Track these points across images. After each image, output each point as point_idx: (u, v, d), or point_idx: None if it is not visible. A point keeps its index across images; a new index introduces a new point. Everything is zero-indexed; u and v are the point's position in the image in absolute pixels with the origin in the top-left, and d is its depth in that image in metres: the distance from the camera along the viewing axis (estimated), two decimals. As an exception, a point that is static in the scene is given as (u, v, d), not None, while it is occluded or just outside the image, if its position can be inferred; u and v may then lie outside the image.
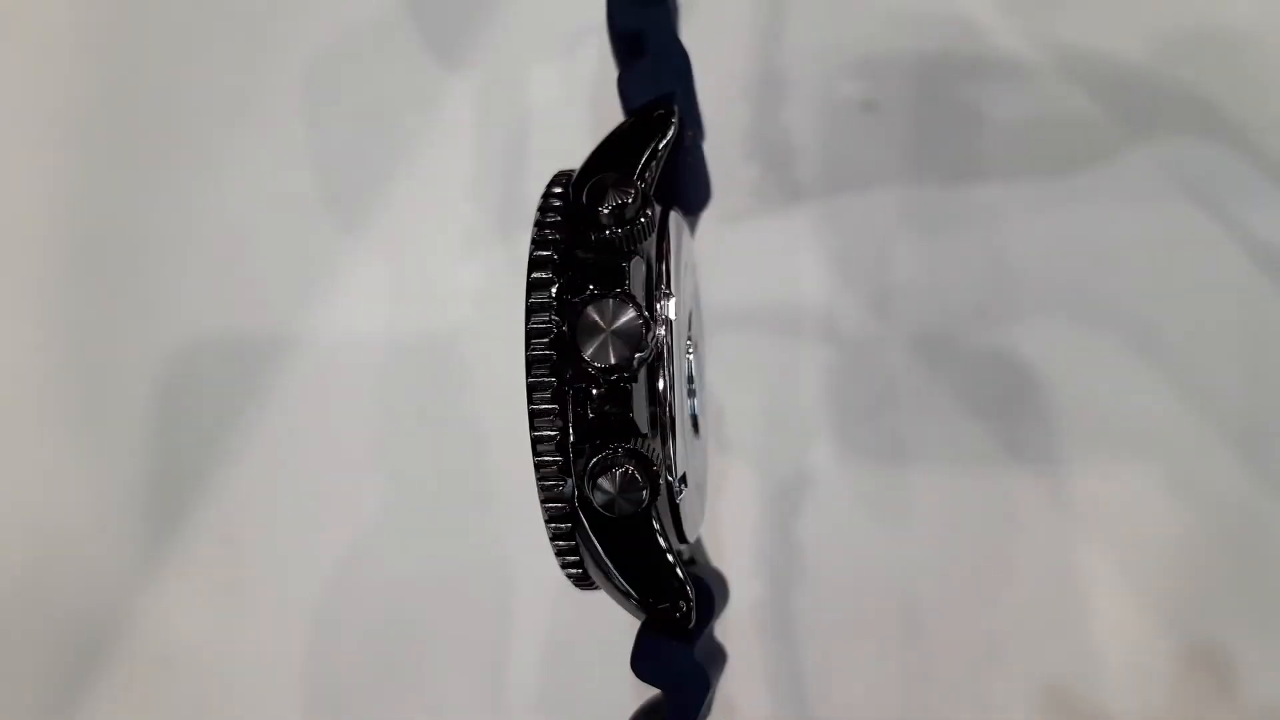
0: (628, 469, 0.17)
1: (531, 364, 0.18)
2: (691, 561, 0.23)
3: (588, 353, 0.17)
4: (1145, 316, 0.30)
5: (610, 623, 0.21)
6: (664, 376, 0.18)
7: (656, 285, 0.19)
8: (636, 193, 0.18)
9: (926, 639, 0.30)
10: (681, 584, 0.18)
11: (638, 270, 0.18)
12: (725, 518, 0.30)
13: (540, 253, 0.18)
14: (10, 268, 0.33)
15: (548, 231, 0.18)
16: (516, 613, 0.31)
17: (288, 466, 0.32)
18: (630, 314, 0.17)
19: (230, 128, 0.33)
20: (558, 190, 0.19)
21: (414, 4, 0.34)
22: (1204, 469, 0.30)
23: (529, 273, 0.18)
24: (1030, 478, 0.30)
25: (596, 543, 0.18)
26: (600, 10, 0.21)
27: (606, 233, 0.18)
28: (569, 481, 0.18)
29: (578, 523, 0.18)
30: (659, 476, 0.18)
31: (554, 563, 0.19)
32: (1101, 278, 0.31)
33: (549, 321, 0.18)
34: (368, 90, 0.33)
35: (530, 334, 0.18)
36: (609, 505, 0.18)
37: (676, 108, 0.20)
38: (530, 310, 0.18)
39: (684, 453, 0.19)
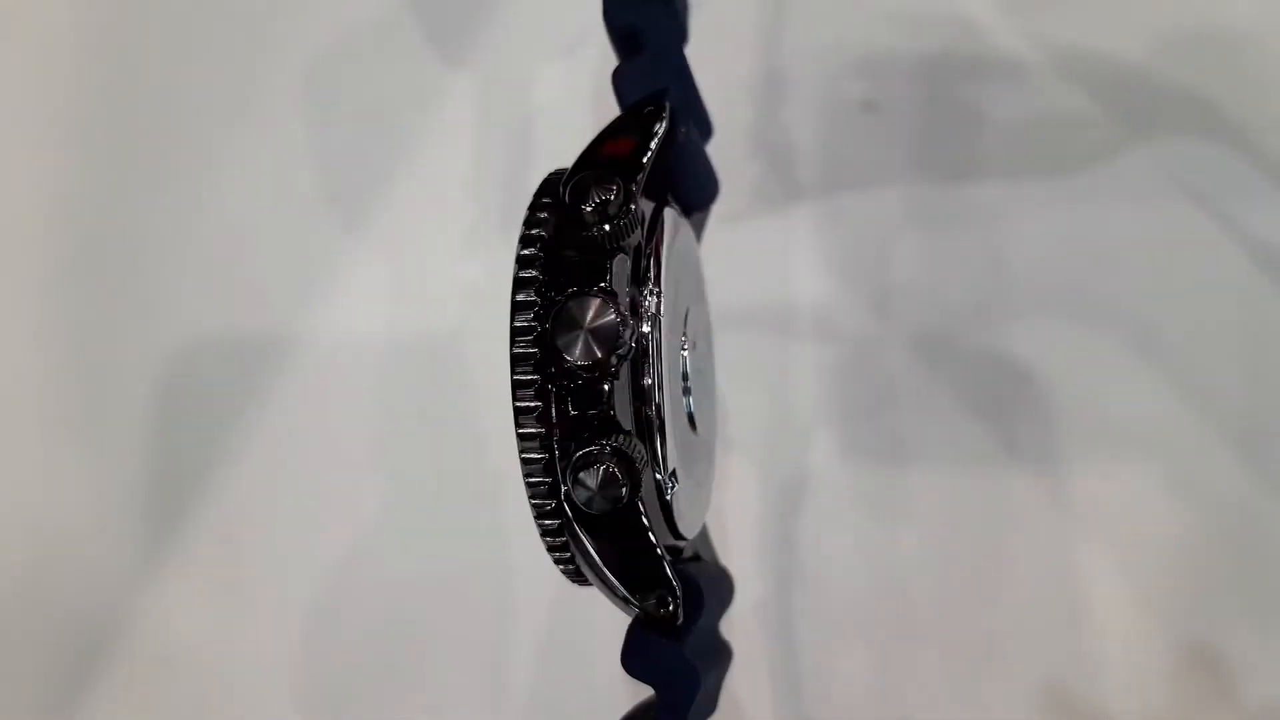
0: (608, 466, 0.17)
1: (515, 362, 0.18)
2: (695, 558, 0.23)
3: (566, 350, 0.17)
4: (1145, 316, 0.30)
5: (609, 622, 0.21)
6: (651, 373, 0.18)
7: (642, 281, 0.18)
8: (619, 189, 0.18)
9: (926, 638, 0.30)
10: (668, 580, 0.18)
11: (621, 267, 0.18)
12: (726, 517, 0.30)
13: (526, 251, 0.18)
14: (10, 268, 0.33)
15: (535, 230, 0.18)
16: (516, 612, 0.31)
17: (288, 466, 0.32)
18: (608, 311, 0.17)
19: (230, 128, 0.33)
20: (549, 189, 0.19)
21: (414, 4, 0.34)
22: (1204, 469, 0.30)
23: (515, 271, 0.18)
24: (1029, 478, 0.30)
25: (584, 539, 0.18)
26: (601, 9, 0.21)
27: (591, 230, 0.18)
28: (555, 478, 0.18)
29: (565, 519, 0.18)
30: (641, 474, 0.18)
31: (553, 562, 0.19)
32: (1101, 278, 0.31)
33: (533, 319, 0.18)
34: (368, 90, 0.33)
35: (515, 332, 0.18)
36: (589, 502, 0.18)
37: (668, 104, 0.20)
38: (515, 309, 0.18)
39: (676, 450, 0.19)
